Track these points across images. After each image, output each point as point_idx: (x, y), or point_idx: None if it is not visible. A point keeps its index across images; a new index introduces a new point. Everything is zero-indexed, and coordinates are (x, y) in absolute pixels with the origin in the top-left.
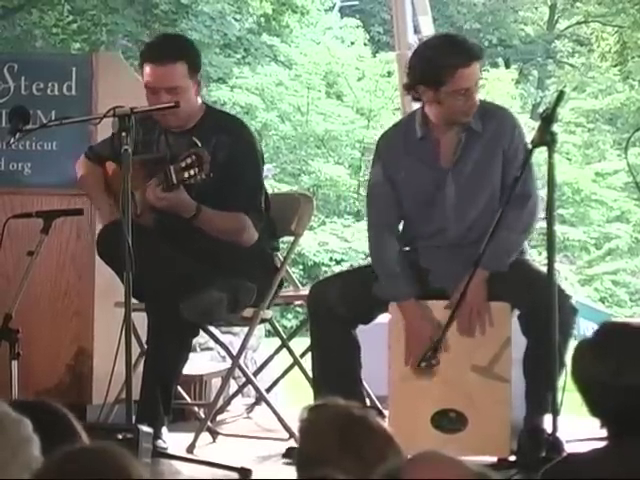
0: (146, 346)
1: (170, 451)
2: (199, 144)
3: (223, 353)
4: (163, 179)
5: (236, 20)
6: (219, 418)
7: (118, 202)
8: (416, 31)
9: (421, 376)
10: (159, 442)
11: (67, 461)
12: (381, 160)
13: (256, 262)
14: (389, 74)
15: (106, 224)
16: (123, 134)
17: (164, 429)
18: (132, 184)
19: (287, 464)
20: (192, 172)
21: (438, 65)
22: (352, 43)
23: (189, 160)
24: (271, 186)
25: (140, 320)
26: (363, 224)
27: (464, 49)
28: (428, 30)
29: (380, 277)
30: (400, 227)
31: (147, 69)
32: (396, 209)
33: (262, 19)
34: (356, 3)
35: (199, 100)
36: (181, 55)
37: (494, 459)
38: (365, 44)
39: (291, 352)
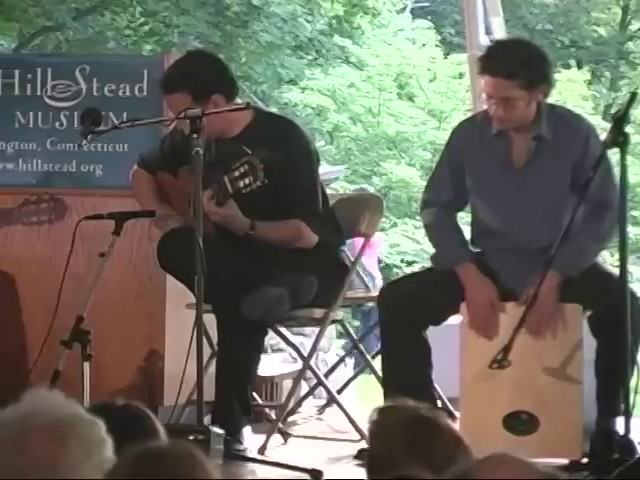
0: (217, 347)
1: (246, 452)
2: (249, 152)
3: (294, 354)
4: (217, 189)
5: (308, 21)
6: (290, 419)
7: (177, 211)
8: (487, 32)
9: (492, 378)
10: (235, 444)
11: (141, 460)
12: (453, 146)
13: (321, 258)
14: (460, 75)
15: (164, 234)
16: (194, 136)
17: (245, 430)
18: (186, 192)
19: (358, 465)
20: (247, 181)
21: (479, 61)
22: (424, 44)
23: (242, 169)
24: (342, 187)
25: (211, 321)
26: None
27: (499, 60)
28: (499, 31)
29: (436, 245)
30: (468, 232)
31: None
32: (456, 192)
33: (334, 20)
34: (428, 4)
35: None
36: (185, 86)
37: (566, 461)
38: (437, 45)
39: (362, 353)
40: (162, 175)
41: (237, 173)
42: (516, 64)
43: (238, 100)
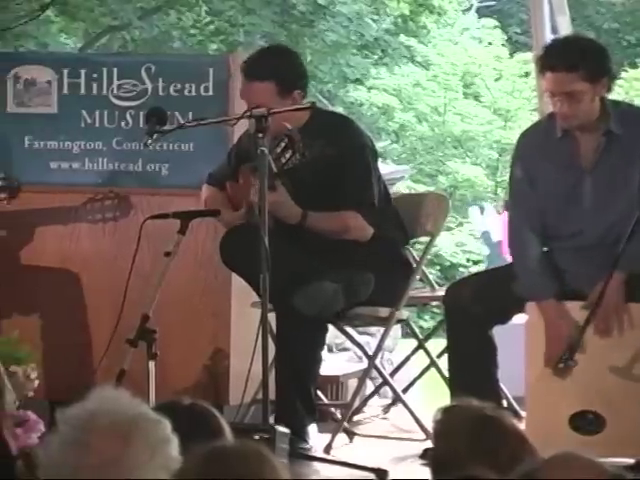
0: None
1: (312, 451)
2: (289, 127)
3: (360, 354)
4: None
5: (373, 21)
6: (356, 419)
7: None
8: (554, 31)
9: (559, 377)
10: (300, 443)
11: (209, 460)
12: (520, 158)
13: (380, 253)
14: (526, 75)
15: (226, 231)
16: (259, 135)
17: (310, 428)
18: (245, 189)
19: (423, 465)
20: (287, 155)
21: (538, 60)
22: (489, 43)
23: (282, 144)
24: (408, 187)
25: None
26: None
27: (558, 54)
28: (566, 30)
29: (520, 275)
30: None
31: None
32: (537, 208)
33: (399, 20)
34: (493, 3)
35: (304, 101)
36: (271, 76)
37: (632, 461)
38: (503, 44)
39: (428, 353)
40: (228, 185)
41: (278, 149)
42: (576, 56)
43: (304, 101)
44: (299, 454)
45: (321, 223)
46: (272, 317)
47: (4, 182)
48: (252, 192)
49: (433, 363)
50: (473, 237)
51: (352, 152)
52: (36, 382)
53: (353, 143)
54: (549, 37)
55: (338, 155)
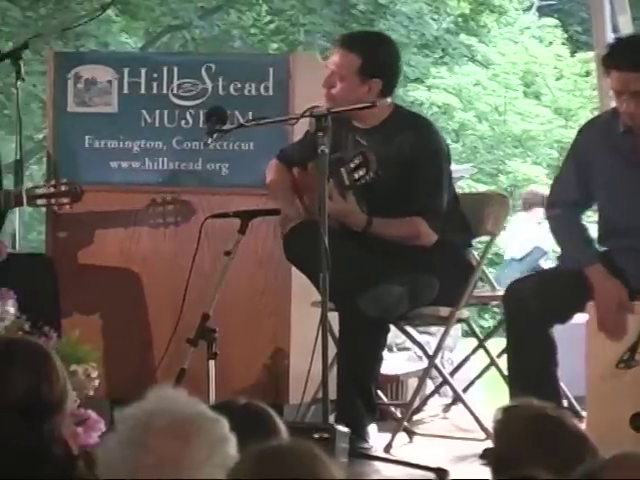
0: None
1: (372, 450)
2: (364, 144)
3: (420, 353)
4: (337, 182)
5: (434, 20)
6: (416, 418)
7: (305, 204)
8: (614, 30)
9: (619, 377)
10: (360, 442)
11: (263, 459)
12: (576, 152)
13: (444, 257)
14: (587, 74)
15: (291, 227)
16: (320, 134)
17: (370, 428)
18: (312, 187)
19: (483, 465)
20: (361, 172)
21: (603, 59)
22: (550, 42)
23: (357, 161)
24: (468, 186)
25: (336, 319)
26: None
27: (624, 53)
28: (627, 29)
29: (563, 246)
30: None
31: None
32: (581, 192)
33: (460, 19)
34: (554, 2)
35: (388, 100)
36: (359, 49)
37: None
38: (563, 43)
39: (488, 352)
40: (296, 169)
41: (352, 165)
42: None
43: (388, 100)
44: (359, 453)
45: (385, 230)
46: (332, 316)
47: (68, 187)
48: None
49: (493, 362)
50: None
51: (428, 156)
52: (96, 381)
53: (430, 147)
54: (610, 36)
55: (414, 157)
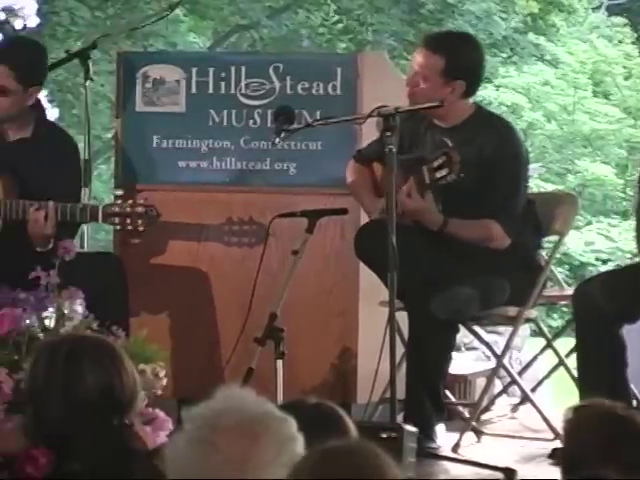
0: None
1: (440, 450)
2: (449, 144)
3: (488, 353)
4: (417, 180)
5: (502, 19)
6: (484, 418)
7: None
8: None
9: None
10: (428, 442)
11: (324, 458)
12: None
13: (515, 260)
14: None
15: (363, 225)
16: (387, 134)
17: (438, 428)
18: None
19: (552, 465)
20: (443, 172)
21: None
22: (619, 42)
23: (440, 160)
24: (536, 186)
25: (404, 319)
26: (630, 223)
27: None
28: None
29: None
30: None
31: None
32: None
33: (528, 18)
34: (623, 1)
35: (470, 100)
36: (444, 51)
37: None
38: (633, 42)
39: (556, 352)
40: (376, 165)
41: (435, 164)
42: None
43: (470, 100)
44: (427, 453)
45: (460, 231)
46: (399, 316)
47: (144, 208)
48: (403, 189)
49: (562, 362)
50: (602, 236)
51: (508, 159)
52: (164, 380)
53: (510, 150)
54: None
55: (494, 159)
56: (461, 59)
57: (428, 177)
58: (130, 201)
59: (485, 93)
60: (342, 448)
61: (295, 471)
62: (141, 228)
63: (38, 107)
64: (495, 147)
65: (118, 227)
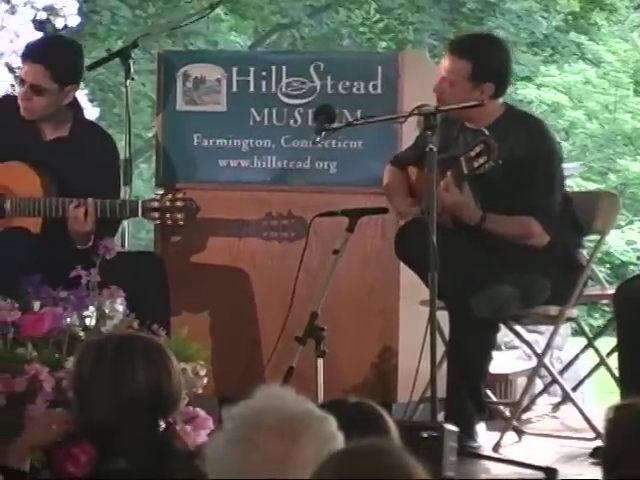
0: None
1: (481, 449)
2: (486, 133)
3: (529, 352)
4: (455, 173)
5: (543, 18)
6: (525, 417)
7: (420, 203)
8: None
9: None
10: (469, 441)
11: (344, 458)
12: None
13: (555, 258)
14: None
15: (403, 224)
16: (428, 133)
17: (479, 427)
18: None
19: (593, 464)
20: (481, 160)
21: None
22: None
23: (478, 149)
24: (577, 184)
25: (445, 318)
26: None
27: None
28: None
29: None
30: None
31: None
32: None
33: (569, 17)
34: None
35: (500, 100)
36: (471, 55)
37: None
38: None
39: (597, 351)
40: (413, 169)
41: (473, 153)
42: None
43: (500, 100)
44: (468, 452)
45: (500, 226)
46: (440, 315)
47: (183, 202)
48: (441, 184)
49: (603, 361)
50: None
51: (541, 157)
52: (205, 379)
53: (543, 147)
54: None
55: (527, 158)
56: (488, 62)
57: (466, 167)
58: (169, 195)
59: (526, 92)
60: (369, 448)
61: (318, 471)
62: (181, 222)
63: (75, 106)
64: (527, 145)
65: (158, 222)
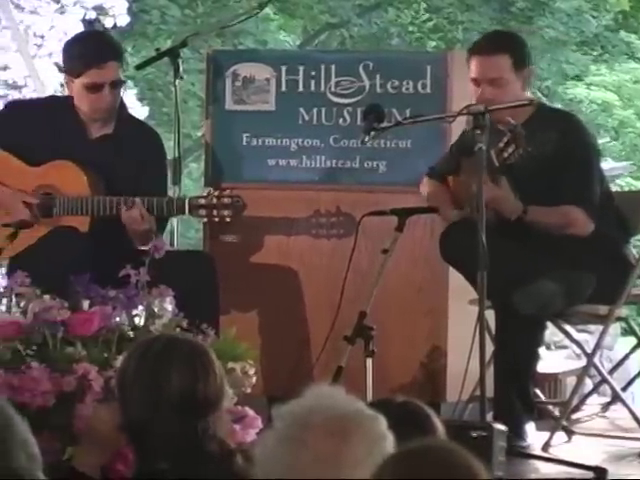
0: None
1: (530, 449)
2: (513, 122)
3: (578, 351)
4: (488, 169)
5: (593, 17)
6: (574, 417)
7: (463, 208)
8: None
9: None
10: (518, 440)
11: (404, 458)
12: None
13: (601, 253)
14: None
15: (446, 227)
16: (477, 132)
17: (528, 427)
18: (466, 184)
19: None
20: (510, 149)
21: None
22: None
23: (505, 139)
24: (627, 184)
25: (494, 317)
26: None
27: None
28: None
29: None
30: None
31: (473, 62)
32: None
33: (619, 16)
34: None
35: (527, 95)
36: (506, 48)
37: None
38: None
39: None
40: (450, 178)
41: (501, 144)
42: None
43: (527, 94)
44: (517, 452)
45: (542, 217)
46: (489, 314)
47: (230, 199)
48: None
49: None
50: None
51: (576, 150)
52: (254, 378)
53: (578, 141)
54: None
55: (562, 152)
56: (518, 47)
57: (497, 159)
58: (216, 192)
59: (576, 91)
60: (431, 447)
61: (379, 470)
62: (228, 219)
63: (120, 103)
64: (563, 139)
65: (205, 219)
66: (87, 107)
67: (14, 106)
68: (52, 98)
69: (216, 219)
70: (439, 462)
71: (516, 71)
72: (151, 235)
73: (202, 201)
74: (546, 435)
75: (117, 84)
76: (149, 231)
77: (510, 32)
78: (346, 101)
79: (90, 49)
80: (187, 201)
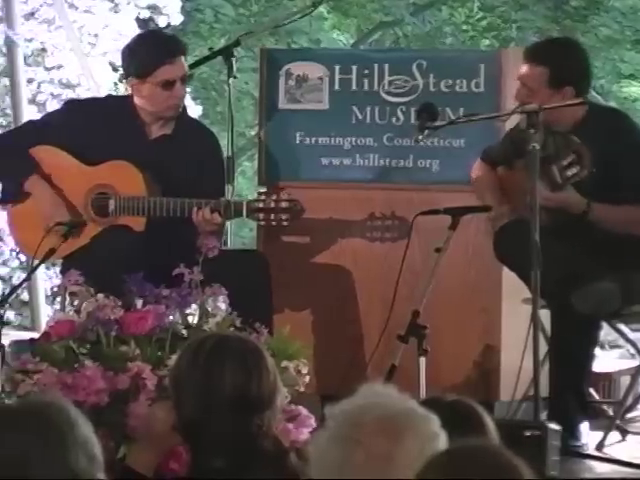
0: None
1: (584, 449)
2: (578, 141)
3: (632, 351)
4: (548, 180)
5: None
6: (629, 416)
7: (512, 204)
8: None
9: None
10: (572, 440)
11: (458, 457)
12: None
13: None
14: None
15: (501, 226)
16: (531, 131)
17: (582, 426)
18: (521, 186)
19: None
20: (575, 170)
21: None
22: None
23: (570, 158)
24: None
25: (547, 316)
26: None
27: None
28: None
29: None
30: None
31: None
32: None
33: None
34: None
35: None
36: (547, 61)
37: None
38: None
39: None
40: (501, 169)
41: (565, 162)
42: None
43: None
44: (571, 451)
45: (608, 214)
46: (543, 314)
47: (288, 203)
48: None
49: None
50: None
51: (630, 150)
52: (307, 377)
53: (631, 141)
54: None
55: (616, 152)
56: (564, 65)
57: (559, 176)
58: (274, 196)
59: (630, 90)
60: (475, 448)
61: (422, 471)
62: (285, 223)
63: None
64: (617, 139)
65: (262, 223)
66: (162, 105)
67: (73, 105)
68: (111, 98)
69: (273, 223)
70: (484, 463)
71: (551, 87)
72: (221, 232)
73: (260, 205)
74: (600, 435)
75: (186, 79)
76: (218, 230)
77: (565, 46)
78: (399, 100)
79: (159, 46)
80: (245, 205)
